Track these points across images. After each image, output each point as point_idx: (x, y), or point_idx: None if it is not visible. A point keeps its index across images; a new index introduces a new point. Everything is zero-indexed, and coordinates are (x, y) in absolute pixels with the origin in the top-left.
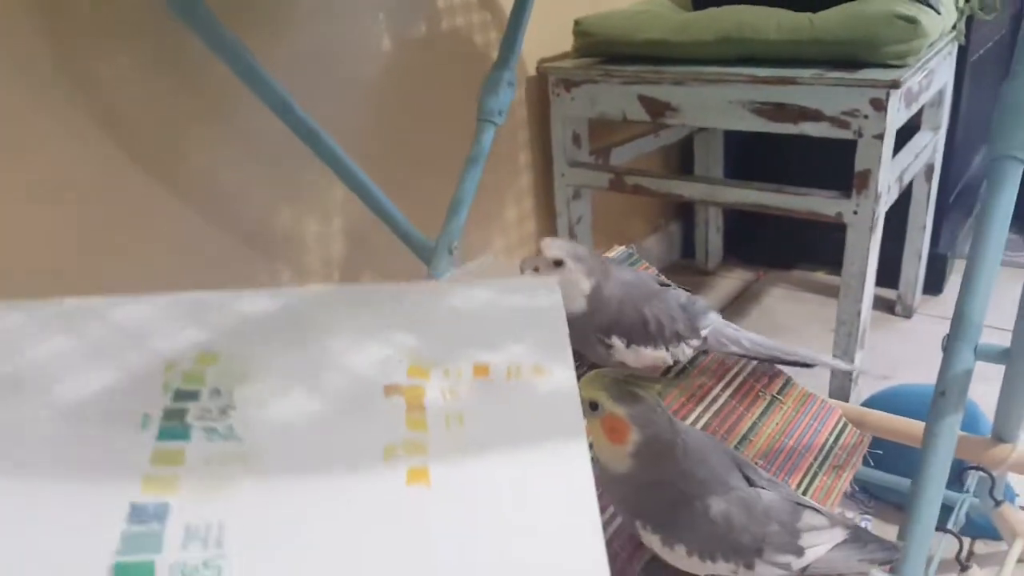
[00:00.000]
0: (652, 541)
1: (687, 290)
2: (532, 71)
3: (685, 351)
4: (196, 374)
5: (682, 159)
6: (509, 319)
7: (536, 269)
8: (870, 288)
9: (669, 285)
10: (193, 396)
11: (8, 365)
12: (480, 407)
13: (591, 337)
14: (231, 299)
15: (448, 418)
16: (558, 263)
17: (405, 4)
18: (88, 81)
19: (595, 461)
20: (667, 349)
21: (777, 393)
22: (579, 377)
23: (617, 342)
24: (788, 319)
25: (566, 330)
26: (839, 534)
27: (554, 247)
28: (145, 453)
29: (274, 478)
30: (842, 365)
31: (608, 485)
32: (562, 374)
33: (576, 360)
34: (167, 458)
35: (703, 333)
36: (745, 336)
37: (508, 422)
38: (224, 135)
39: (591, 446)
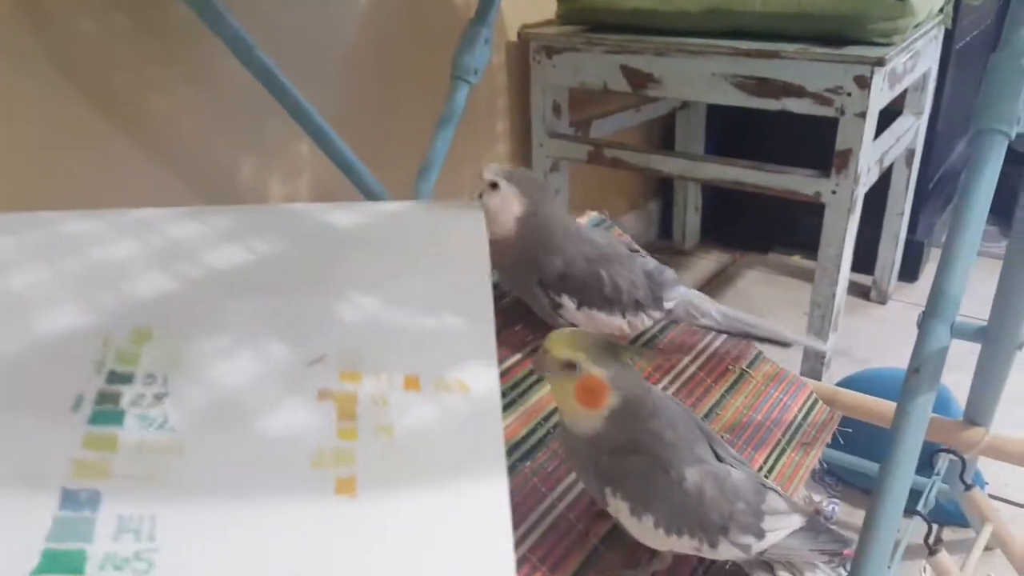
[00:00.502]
0: (620, 508)
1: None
2: (513, 37)
3: (644, 321)
4: (131, 355)
5: (663, 137)
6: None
7: (480, 195)
8: (846, 270)
9: (638, 251)
10: (127, 379)
11: None
12: (408, 419)
13: (533, 287)
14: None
15: (378, 429)
16: (493, 185)
17: None
18: (43, 18)
19: (559, 425)
20: (624, 316)
21: (747, 367)
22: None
23: (568, 302)
24: (763, 302)
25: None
26: (797, 521)
27: (491, 170)
28: (77, 436)
29: (207, 474)
30: (815, 344)
31: (574, 448)
32: (486, 386)
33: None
34: (99, 443)
35: (667, 305)
36: (717, 309)
37: (433, 436)
38: (186, 79)
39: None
